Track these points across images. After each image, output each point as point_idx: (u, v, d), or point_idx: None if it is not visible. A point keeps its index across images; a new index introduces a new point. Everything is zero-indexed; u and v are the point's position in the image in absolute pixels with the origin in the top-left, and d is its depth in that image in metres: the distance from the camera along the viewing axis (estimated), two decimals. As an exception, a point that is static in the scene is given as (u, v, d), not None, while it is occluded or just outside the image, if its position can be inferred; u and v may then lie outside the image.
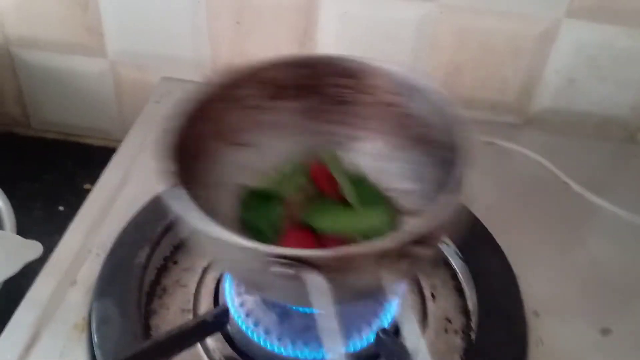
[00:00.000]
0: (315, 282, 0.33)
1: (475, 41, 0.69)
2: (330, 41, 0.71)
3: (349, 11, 0.69)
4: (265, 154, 0.50)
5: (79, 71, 0.78)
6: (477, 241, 0.55)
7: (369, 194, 0.50)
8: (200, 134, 0.45)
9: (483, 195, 0.58)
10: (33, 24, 0.75)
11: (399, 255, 0.35)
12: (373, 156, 0.51)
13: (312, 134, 0.51)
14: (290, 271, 0.33)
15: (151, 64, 0.76)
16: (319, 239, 0.46)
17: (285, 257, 0.32)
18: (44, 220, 0.73)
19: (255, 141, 0.49)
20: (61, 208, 0.74)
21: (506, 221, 0.58)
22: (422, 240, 0.35)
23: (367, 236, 0.44)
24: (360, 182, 0.50)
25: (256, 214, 0.47)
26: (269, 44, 0.72)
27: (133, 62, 0.76)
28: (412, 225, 0.36)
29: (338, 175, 0.49)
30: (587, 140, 0.71)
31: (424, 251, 0.35)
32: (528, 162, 0.66)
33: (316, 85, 0.49)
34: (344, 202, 0.48)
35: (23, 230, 0.58)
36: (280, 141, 0.50)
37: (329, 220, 0.47)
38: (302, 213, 0.47)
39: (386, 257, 0.34)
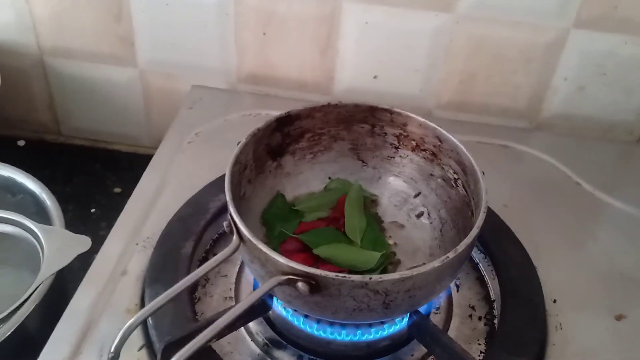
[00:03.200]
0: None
1: (489, 50, 0.73)
2: (350, 49, 0.75)
3: (369, 21, 0.73)
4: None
5: (108, 80, 0.82)
6: (497, 235, 0.59)
7: (374, 235, 0.55)
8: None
9: (499, 194, 0.63)
10: (67, 34, 0.78)
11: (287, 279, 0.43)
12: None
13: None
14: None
15: (179, 73, 0.80)
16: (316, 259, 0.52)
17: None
18: (78, 221, 0.76)
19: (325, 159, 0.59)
20: (93, 210, 0.78)
21: (522, 218, 0.61)
22: (302, 279, 0.42)
23: (356, 269, 0.52)
24: (370, 223, 0.56)
25: (277, 219, 0.55)
26: (293, 53, 0.76)
27: (162, 71, 0.80)
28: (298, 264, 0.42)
29: (349, 212, 0.56)
30: (595, 143, 0.74)
31: (304, 288, 0.42)
32: (541, 164, 0.70)
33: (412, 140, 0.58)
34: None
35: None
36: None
37: (329, 250, 0.52)
38: (309, 237, 0.54)
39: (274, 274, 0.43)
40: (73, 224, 0.74)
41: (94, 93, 0.84)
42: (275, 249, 0.52)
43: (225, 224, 0.47)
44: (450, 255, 0.43)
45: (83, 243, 0.56)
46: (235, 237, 0.46)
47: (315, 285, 0.42)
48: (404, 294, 0.43)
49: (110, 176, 0.83)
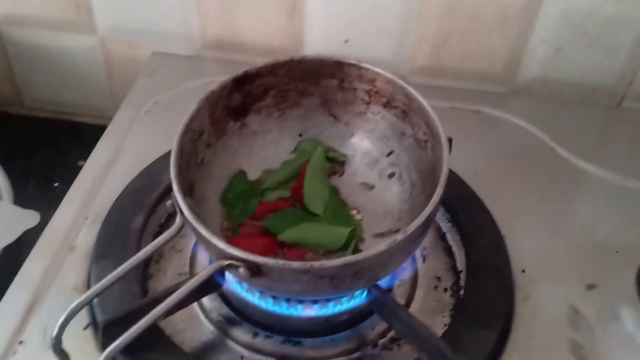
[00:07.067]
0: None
1: (463, 10, 0.69)
2: (318, 13, 0.71)
3: (337, -18, 0.69)
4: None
5: (68, 48, 0.78)
6: (465, 204, 0.56)
7: (337, 208, 0.53)
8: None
9: (471, 161, 0.60)
10: (21, 1, 0.75)
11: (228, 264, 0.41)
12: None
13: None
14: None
15: (141, 40, 0.76)
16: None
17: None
18: (40, 196, 0.73)
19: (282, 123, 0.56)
20: (56, 184, 0.75)
21: (494, 186, 0.59)
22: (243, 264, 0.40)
23: (326, 248, 0.49)
24: (332, 194, 0.53)
25: (237, 197, 0.52)
26: (258, 17, 0.73)
27: (123, 38, 0.77)
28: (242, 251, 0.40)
29: (310, 180, 0.53)
30: (574, 107, 0.71)
31: (244, 274, 0.40)
32: (515, 129, 0.67)
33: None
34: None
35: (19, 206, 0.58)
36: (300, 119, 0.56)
37: (293, 233, 0.49)
38: (272, 222, 0.51)
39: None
40: (35, 199, 0.73)
41: (55, 62, 0.80)
42: (235, 231, 0.50)
43: (168, 203, 0.44)
44: (399, 237, 0.40)
45: (31, 218, 0.54)
46: (178, 217, 0.43)
47: (257, 271, 0.40)
48: (352, 276, 0.41)
49: (74, 149, 0.80)
